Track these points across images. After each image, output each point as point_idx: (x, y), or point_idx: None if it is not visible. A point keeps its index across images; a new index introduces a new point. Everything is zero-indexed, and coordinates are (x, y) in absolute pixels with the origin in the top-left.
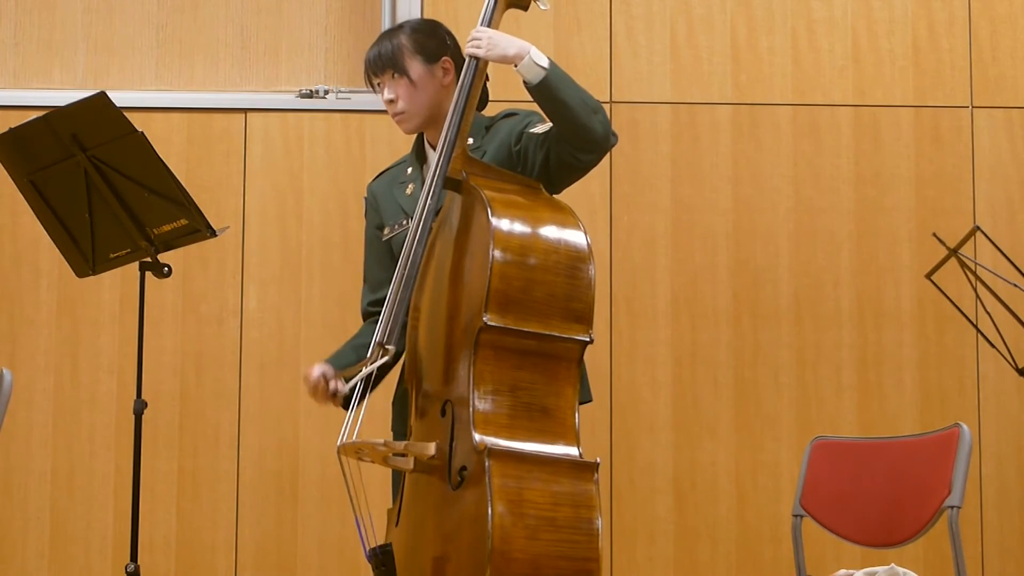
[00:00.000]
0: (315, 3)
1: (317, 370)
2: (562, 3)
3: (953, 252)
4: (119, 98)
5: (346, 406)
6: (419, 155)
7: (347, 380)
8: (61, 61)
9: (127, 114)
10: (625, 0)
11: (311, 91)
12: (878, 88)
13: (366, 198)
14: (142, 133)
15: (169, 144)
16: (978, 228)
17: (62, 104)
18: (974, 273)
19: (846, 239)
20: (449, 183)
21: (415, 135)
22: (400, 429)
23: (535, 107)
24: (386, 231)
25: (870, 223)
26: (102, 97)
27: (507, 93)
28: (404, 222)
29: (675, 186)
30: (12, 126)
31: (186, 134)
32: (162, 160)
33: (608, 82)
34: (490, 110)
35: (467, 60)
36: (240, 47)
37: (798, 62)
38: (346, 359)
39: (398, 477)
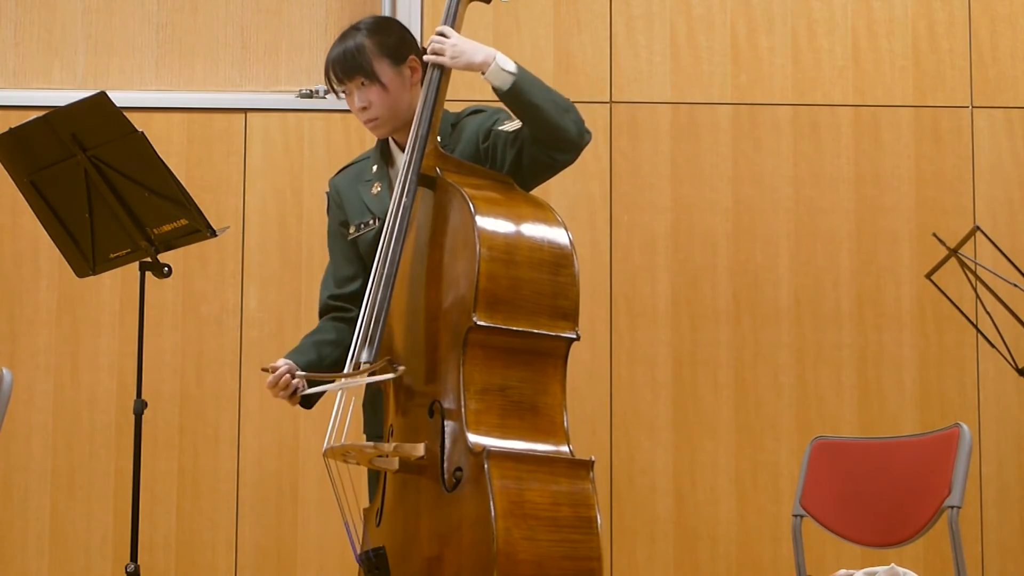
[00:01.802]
0: (315, 3)
1: (283, 364)
2: (562, 3)
3: (953, 252)
4: (119, 98)
5: (305, 405)
6: (384, 153)
7: (310, 382)
8: (61, 61)
9: (127, 114)
10: (625, 0)
11: (311, 91)
12: (878, 88)
13: (328, 193)
14: (142, 133)
15: (169, 144)
16: (978, 228)
17: (62, 104)
18: (974, 273)
19: (846, 239)
20: (423, 180)
21: None
22: (376, 431)
23: (500, 104)
24: (351, 230)
25: (870, 223)
26: (102, 97)
27: (471, 93)
28: (371, 222)
29: (675, 186)
30: (12, 126)
31: (186, 134)
32: (162, 160)
33: (608, 82)
34: (455, 107)
35: (430, 66)
36: (240, 47)
37: (798, 62)
38: (307, 356)
39: (375, 476)
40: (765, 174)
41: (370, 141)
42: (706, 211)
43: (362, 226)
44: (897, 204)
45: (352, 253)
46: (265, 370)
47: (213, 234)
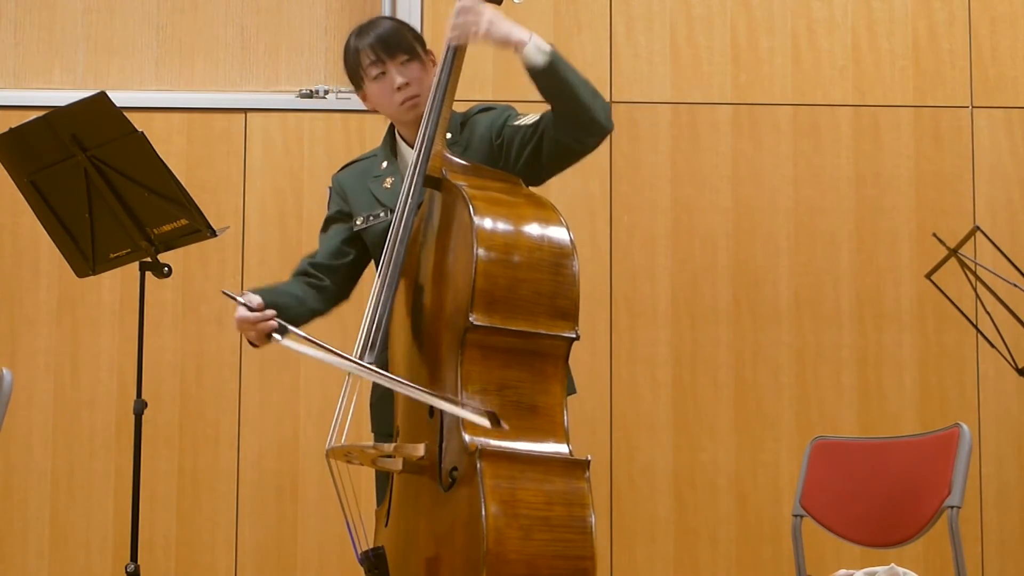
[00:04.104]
0: (315, 3)
1: (258, 300)
2: (562, 3)
3: (953, 252)
4: (119, 98)
5: (257, 345)
6: (392, 150)
7: (283, 332)
8: (61, 61)
9: (127, 114)
10: (625, 0)
11: (311, 91)
12: (878, 88)
13: (331, 188)
14: (142, 133)
15: (169, 144)
16: (978, 228)
17: (62, 104)
18: (974, 273)
19: (846, 239)
20: (429, 181)
21: (385, 130)
22: (384, 430)
23: (505, 104)
24: (359, 221)
25: (870, 223)
26: (102, 97)
27: (471, 92)
28: (381, 214)
29: (675, 186)
30: (12, 126)
31: (186, 134)
32: (162, 160)
33: (608, 82)
34: (460, 106)
35: (444, 52)
36: (240, 47)
37: (798, 62)
38: (274, 299)
39: (384, 478)
40: (765, 174)
41: (371, 141)
42: (706, 211)
43: (371, 218)
44: (897, 204)
45: (347, 235)
46: (231, 296)
47: (213, 234)
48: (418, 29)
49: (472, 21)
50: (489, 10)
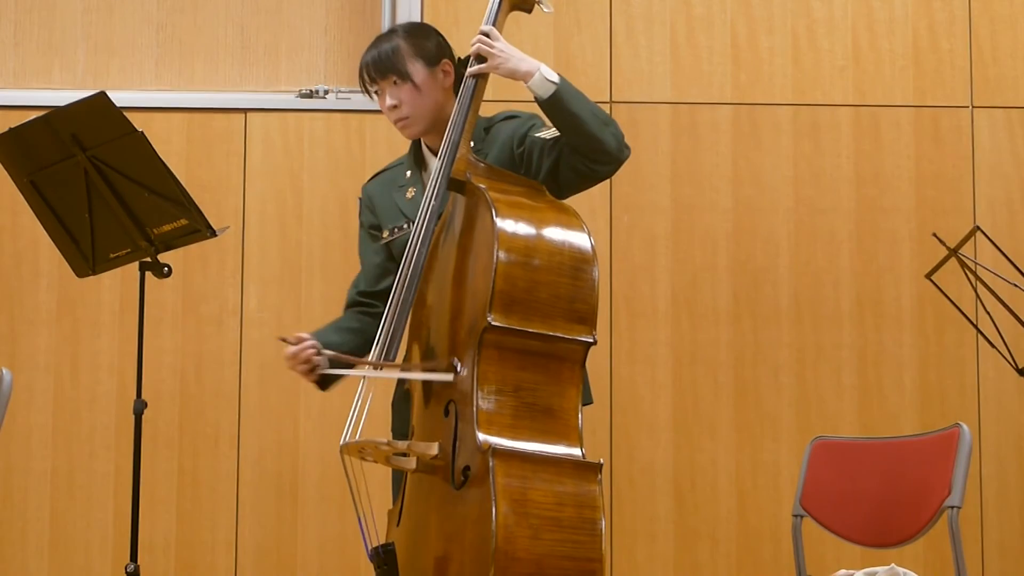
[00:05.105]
0: (315, 3)
1: (309, 338)
2: (562, 3)
3: (953, 252)
4: (119, 98)
5: (322, 386)
6: (417, 159)
7: (333, 363)
8: (61, 61)
9: (127, 114)
10: (625, 0)
11: (311, 91)
12: (878, 88)
13: (361, 199)
14: (142, 133)
15: (169, 144)
16: (978, 228)
17: (62, 104)
18: (974, 273)
19: (846, 239)
20: (453, 184)
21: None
22: (401, 429)
23: (535, 108)
24: (385, 234)
25: (870, 223)
26: (102, 97)
27: (508, 93)
28: (404, 226)
29: (675, 186)
30: (12, 126)
31: (186, 134)
32: (162, 160)
33: (608, 82)
34: (488, 111)
35: (471, 62)
36: (240, 47)
37: (798, 62)
38: (330, 337)
39: (399, 477)
40: (765, 174)
41: (371, 142)
42: (706, 211)
43: (396, 230)
44: (897, 204)
45: (383, 252)
46: (285, 340)
47: (213, 234)
48: None
49: (484, 51)
50: (502, 44)
